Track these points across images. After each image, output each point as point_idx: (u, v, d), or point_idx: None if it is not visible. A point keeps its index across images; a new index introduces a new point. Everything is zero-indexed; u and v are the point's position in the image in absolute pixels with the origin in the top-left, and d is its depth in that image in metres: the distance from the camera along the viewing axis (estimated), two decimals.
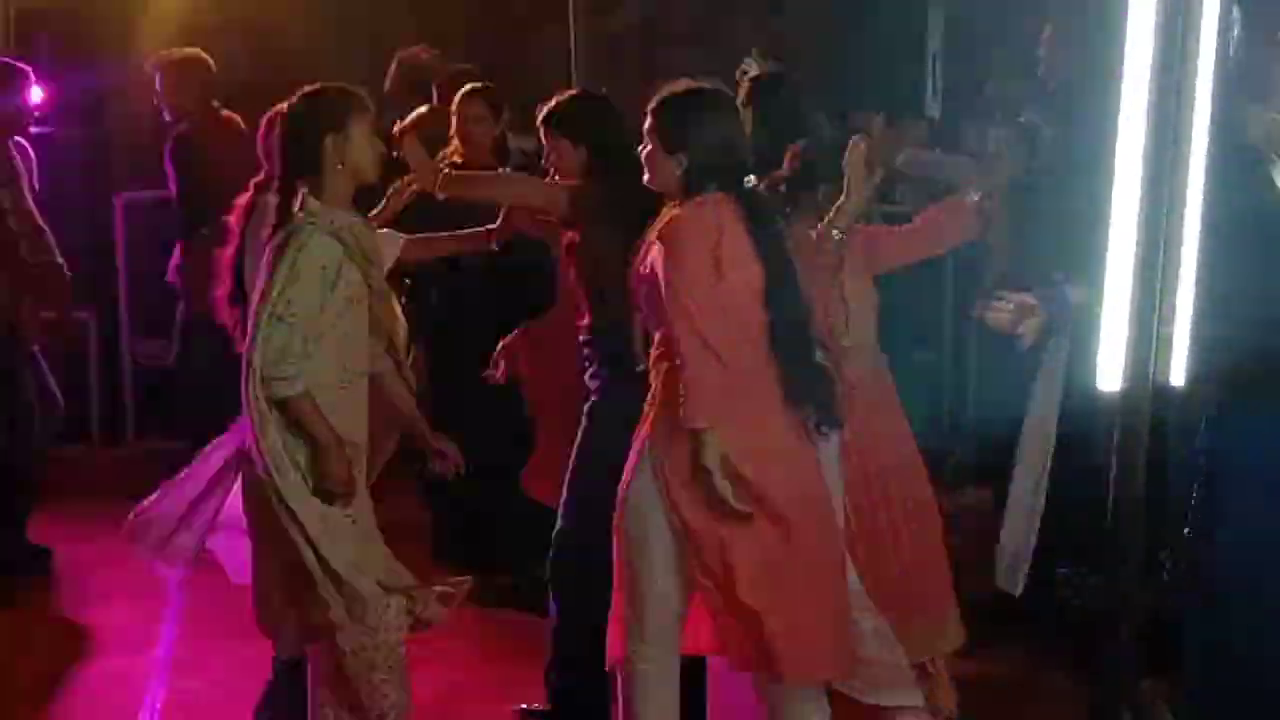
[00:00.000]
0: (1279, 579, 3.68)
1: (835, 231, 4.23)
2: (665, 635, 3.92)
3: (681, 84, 3.96)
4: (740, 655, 3.85)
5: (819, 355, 3.90)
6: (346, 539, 4.00)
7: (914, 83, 8.51)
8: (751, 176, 3.87)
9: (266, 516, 4.01)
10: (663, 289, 3.72)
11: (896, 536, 4.47)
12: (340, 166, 4.01)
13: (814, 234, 4.28)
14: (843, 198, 4.26)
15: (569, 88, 5.09)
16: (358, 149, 4.04)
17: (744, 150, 3.93)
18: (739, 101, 4.83)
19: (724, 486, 3.64)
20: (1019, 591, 4.55)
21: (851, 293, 4.43)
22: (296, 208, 4.00)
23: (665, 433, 3.79)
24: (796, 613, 3.75)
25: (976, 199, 4.53)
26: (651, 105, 3.93)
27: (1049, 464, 4.62)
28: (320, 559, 3.97)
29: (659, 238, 3.78)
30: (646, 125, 3.92)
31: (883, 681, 4.03)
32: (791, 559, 3.77)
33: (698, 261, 3.69)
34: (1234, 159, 3.60)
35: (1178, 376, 2.98)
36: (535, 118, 4.75)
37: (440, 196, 4.75)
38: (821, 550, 3.87)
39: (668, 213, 3.85)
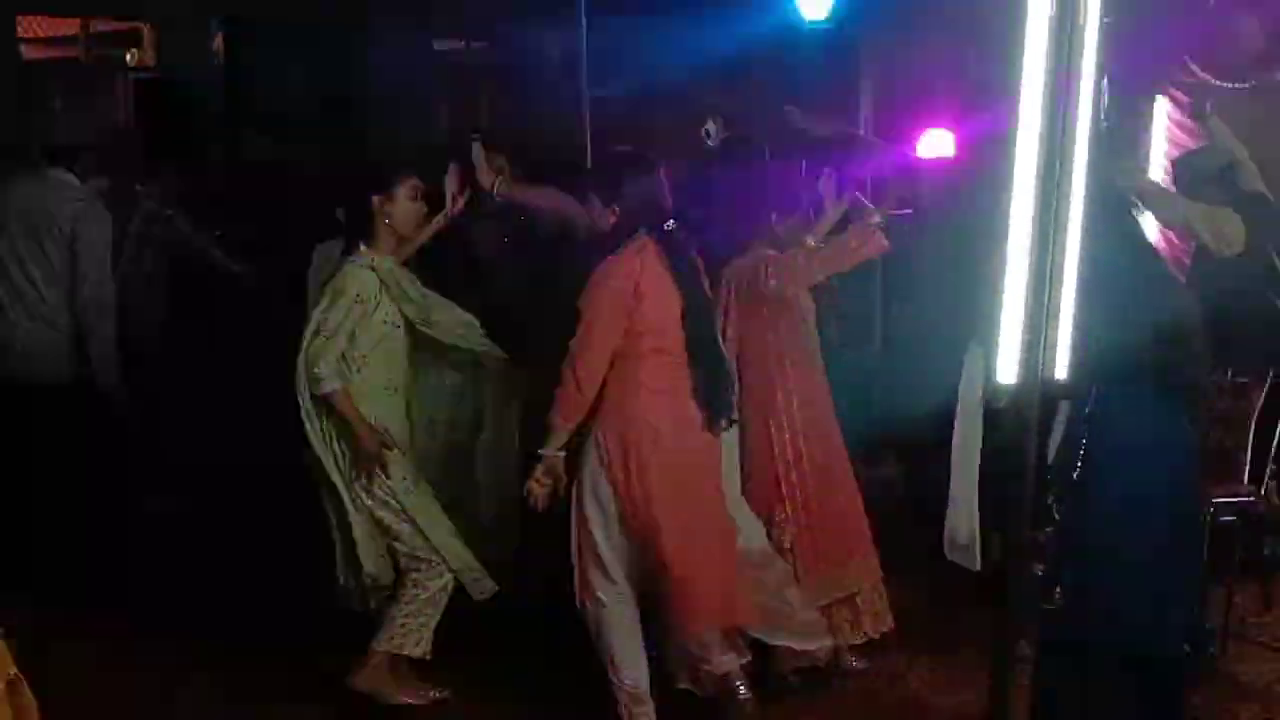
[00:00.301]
0: (1136, 526, 3.73)
1: (810, 239, 4.38)
2: (622, 580, 4.00)
3: (615, 151, 4.02)
4: (661, 606, 3.97)
5: (726, 363, 4.02)
6: (363, 513, 4.18)
7: None
8: (671, 221, 3.93)
9: None
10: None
11: (833, 495, 4.57)
12: (387, 222, 4.16)
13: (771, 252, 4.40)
14: (819, 217, 4.44)
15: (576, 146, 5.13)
16: (401, 209, 4.19)
17: (664, 202, 3.99)
18: (709, 159, 4.97)
19: (536, 475, 3.79)
20: (978, 567, 4.48)
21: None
22: (352, 252, 4.19)
23: (609, 425, 3.88)
24: (702, 573, 3.88)
25: (877, 220, 4.55)
26: (592, 168, 3.99)
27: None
28: (345, 527, 4.20)
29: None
30: (589, 184, 4.05)
31: (778, 624, 4.20)
32: (693, 529, 3.89)
33: (613, 304, 3.79)
34: (1109, 204, 3.66)
35: (1061, 372, 2.98)
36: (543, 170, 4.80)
37: (495, 195, 4.70)
38: (711, 520, 3.99)
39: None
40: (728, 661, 4.05)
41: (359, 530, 4.18)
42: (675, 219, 3.95)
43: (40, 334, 5.25)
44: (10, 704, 3.42)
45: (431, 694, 4.40)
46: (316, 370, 4.03)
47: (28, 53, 7.55)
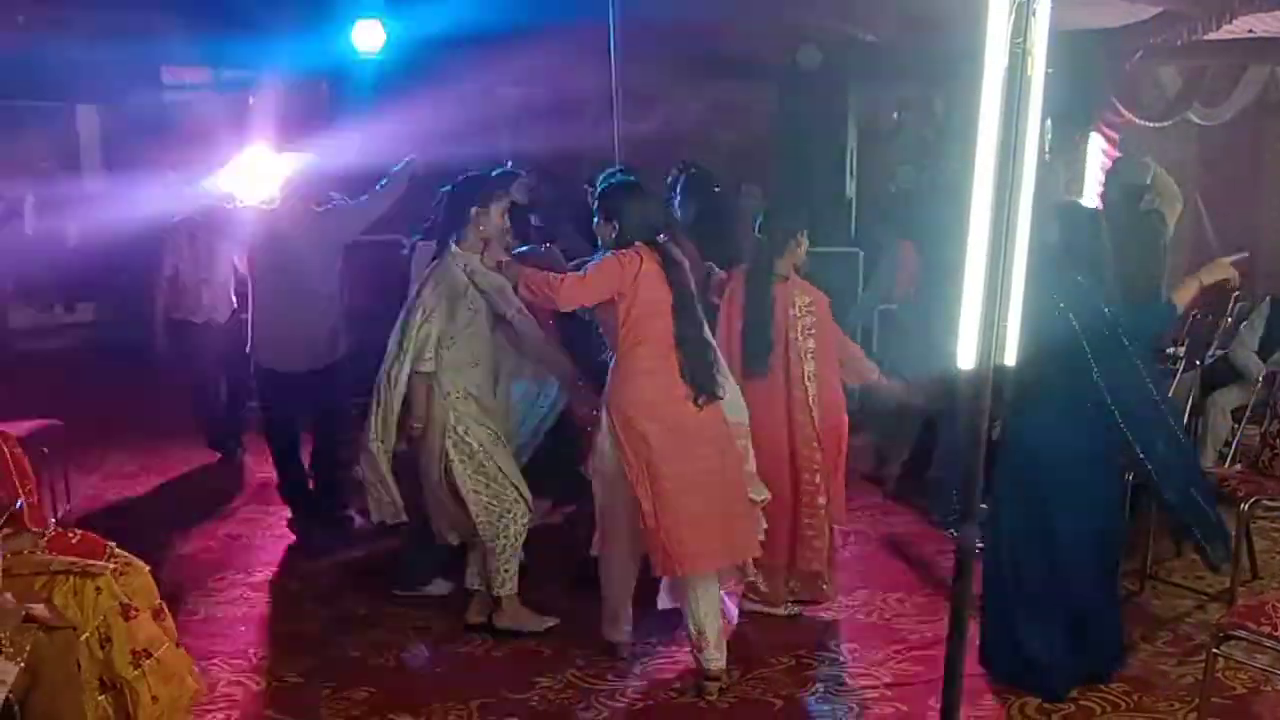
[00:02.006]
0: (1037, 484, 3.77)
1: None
2: (624, 536, 3.95)
3: (617, 177, 3.97)
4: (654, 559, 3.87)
5: (709, 352, 3.90)
6: (467, 468, 4.16)
7: (838, 168, 8.58)
8: (663, 235, 3.87)
9: None
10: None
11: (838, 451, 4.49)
12: (481, 229, 4.12)
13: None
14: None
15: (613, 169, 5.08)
16: (493, 221, 4.17)
17: (658, 219, 3.91)
18: (679, 186, 4.96)
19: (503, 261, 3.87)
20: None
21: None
22: (448, 251, 4.16)
23: (614, 404, 3.82)
24: (682, 523, 3.76)
25: None
26: (598, 191, 3.97)
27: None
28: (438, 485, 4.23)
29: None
30: (595, 204, 3.95)
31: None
32: (677, 483, 3.77)
33: (614, 272, 3.74)
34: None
35: (1010, 359, 2.91)
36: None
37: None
38: (701, 473, 3.81)
39: None
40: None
41: (466, 487, 4.15)
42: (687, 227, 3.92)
43: (316, 329, 5.18)
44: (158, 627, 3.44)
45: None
46: (425, 354, 4.07)
47: (171, 96, 7.67)
